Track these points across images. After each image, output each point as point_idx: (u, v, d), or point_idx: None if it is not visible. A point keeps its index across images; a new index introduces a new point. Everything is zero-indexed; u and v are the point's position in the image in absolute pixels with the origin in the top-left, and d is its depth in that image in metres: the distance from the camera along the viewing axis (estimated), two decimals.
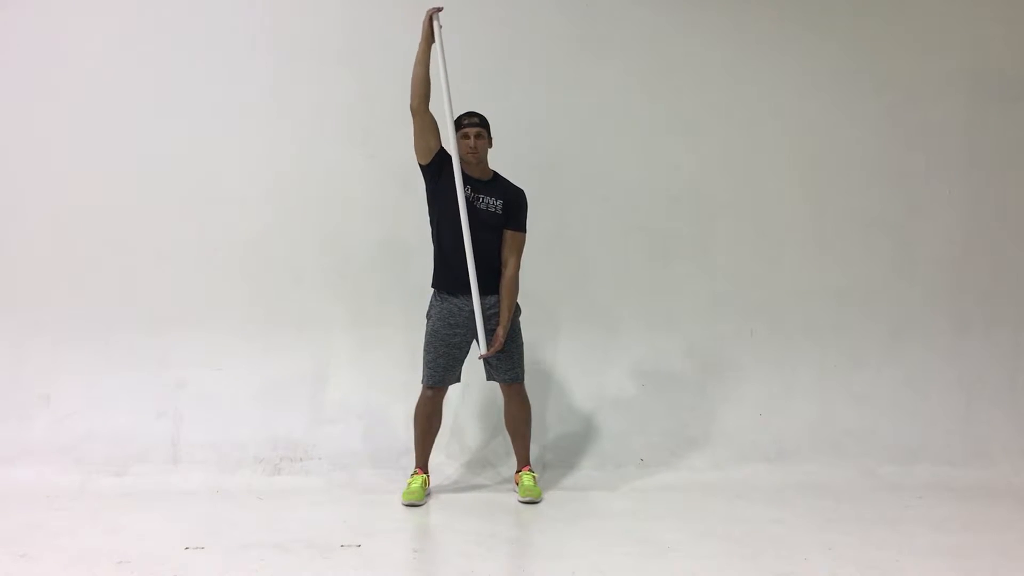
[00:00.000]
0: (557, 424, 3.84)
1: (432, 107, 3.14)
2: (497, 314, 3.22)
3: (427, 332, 3.26)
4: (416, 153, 3.19)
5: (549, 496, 3.30)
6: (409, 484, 3.24)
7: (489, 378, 3.34)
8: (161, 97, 3.77)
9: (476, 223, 3.17)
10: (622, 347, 3.97)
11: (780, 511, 3.16)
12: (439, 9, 3.14)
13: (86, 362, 3.69)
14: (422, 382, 3.29)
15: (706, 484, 3.51)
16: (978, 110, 4.07)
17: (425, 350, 3.26)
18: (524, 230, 3.29)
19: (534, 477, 3.32)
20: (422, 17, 3.14)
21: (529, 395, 3.38)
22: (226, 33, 3.81)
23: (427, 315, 3.28)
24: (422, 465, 3.31)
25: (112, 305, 3.72)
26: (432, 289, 3.29)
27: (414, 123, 3.15)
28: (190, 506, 3.13)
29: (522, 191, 3.30)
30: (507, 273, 3.24)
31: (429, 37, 3.13)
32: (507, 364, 3.27)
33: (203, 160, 3.79)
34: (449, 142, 3.18)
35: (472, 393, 3.80)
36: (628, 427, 3.83)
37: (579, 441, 3.79)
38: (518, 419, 3.35)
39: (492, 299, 3.22)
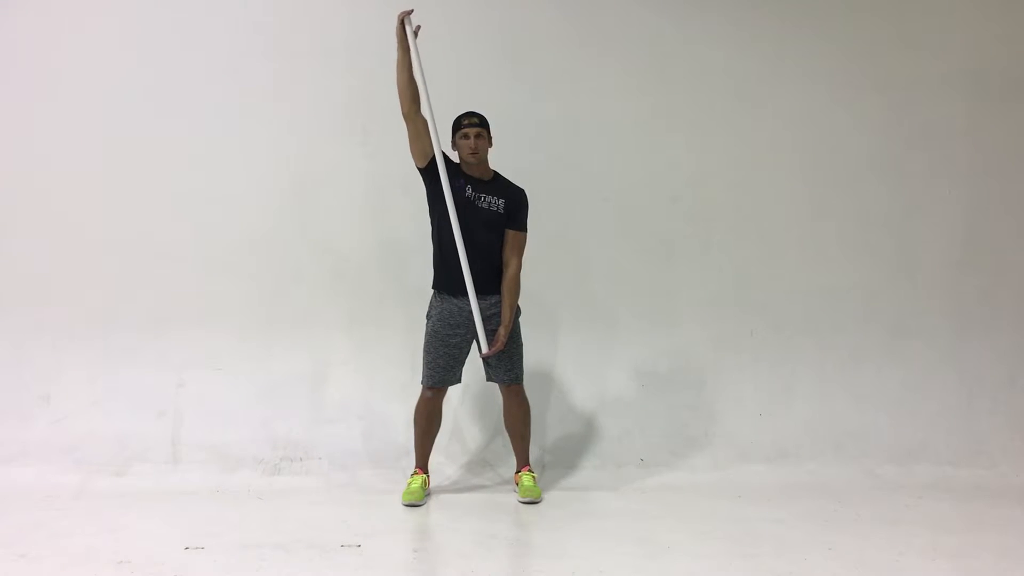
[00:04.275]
0: (557, 424, 3.84)
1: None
2: (498, 314, 3.22)
3: (427, 333, 3.26)
4: (413, 157, 3.19)
5: (549, 496, 3.30)
6: (409, 484, 3.23)
7: (489, 379, 3.34)
8: (161, 97, 3.77)
9: (478, 223, 3.17)
10: (622, 347, 3.97)
11: (780, 511, 3.16)
12: (409, 12, 3.14)
13: (86, 362, 3.69)
14: (422, 383, 3.29)
15: (706, 484, 3.51)
16: (978, 110, 4.07)
17: (425, 351, 3.26)
18: (525, 230, 3.29)
19: (534, 477, 3.32)
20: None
21: (529, 396, 3.38)
22: (226, 33, 3.81)
23: (427, 316, 3.28)
24: (422, 465, 3.31)
25: (112, 305, 3.73)
26: (432, 290, 3.29)
27: (407, 129, 3.15)
28: (190, 506, 3.13)
29: (523, 191, 3.30)
30: (508, 273, 3.24)
31: (403, 41, 3.13)
32: (507, 365, 3.27)
33: (203, 160, 3.79)
34: (441, 143, 3.17)
35: (472, 394, 3.80)
36: (628, 427, 3.83)
37: (579, 441, 3.79)
38: (517, 419, 3.35)
39: (493, 299, 3.22)
